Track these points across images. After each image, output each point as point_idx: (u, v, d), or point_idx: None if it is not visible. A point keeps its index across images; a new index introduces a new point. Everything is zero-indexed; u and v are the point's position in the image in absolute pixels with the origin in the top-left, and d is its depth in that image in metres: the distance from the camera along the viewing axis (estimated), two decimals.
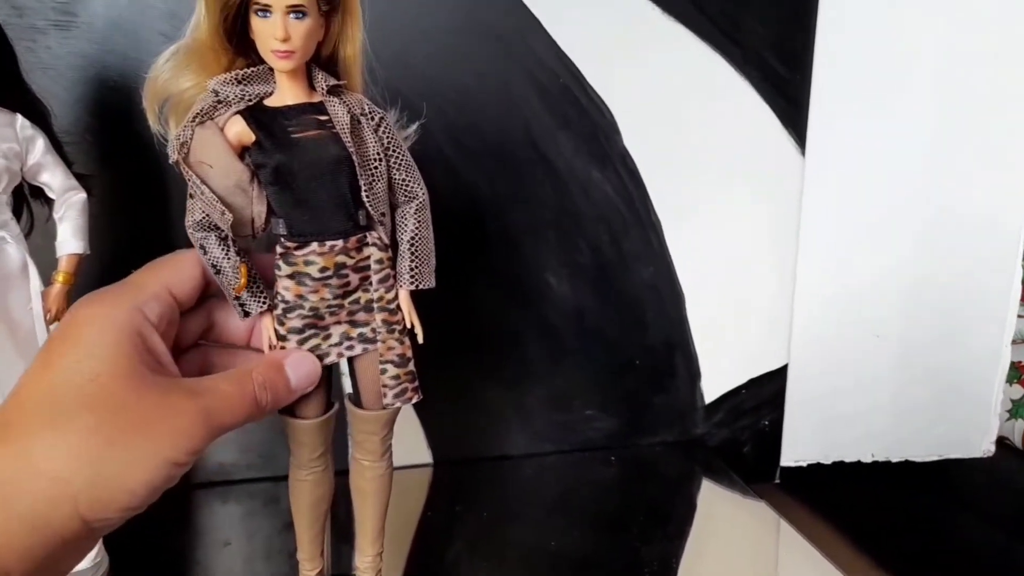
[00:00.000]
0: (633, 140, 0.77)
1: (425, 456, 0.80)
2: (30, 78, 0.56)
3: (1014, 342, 0.88)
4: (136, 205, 0.67)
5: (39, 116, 0.55)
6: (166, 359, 0.34)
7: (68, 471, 0.29)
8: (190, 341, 0.39)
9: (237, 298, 0.39)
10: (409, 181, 0.42)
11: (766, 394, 0.86)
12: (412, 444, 0.79)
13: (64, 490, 0.29)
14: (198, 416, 0.32)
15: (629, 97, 0.76)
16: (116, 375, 0.31)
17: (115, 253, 0.62)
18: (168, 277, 0.37)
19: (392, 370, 0.43)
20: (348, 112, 0.39)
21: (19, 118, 0.52)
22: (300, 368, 0.39)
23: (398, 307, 0.43)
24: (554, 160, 0.76)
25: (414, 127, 0.44)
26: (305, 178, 0.38)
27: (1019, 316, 0.88)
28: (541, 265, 0.78)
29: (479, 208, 0.75)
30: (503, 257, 0.77)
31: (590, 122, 0.76)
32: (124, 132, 0.63)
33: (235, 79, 0.38)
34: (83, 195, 0.55)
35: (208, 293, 0.40)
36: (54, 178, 0.54)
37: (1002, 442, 0.93)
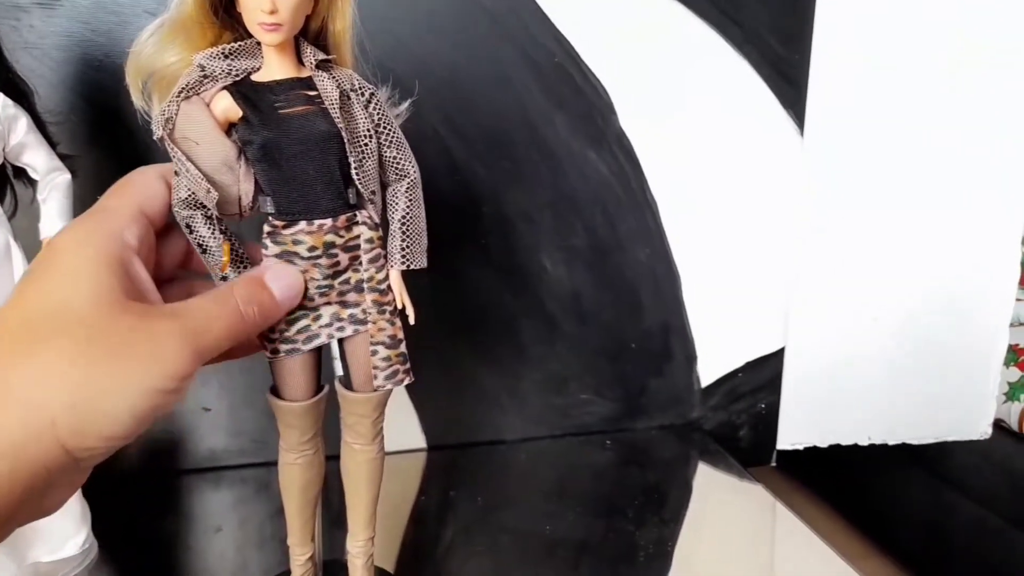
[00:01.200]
0: (629, 120, 0.76)
1: (419, 441, 0.79)
2: (13, 57, 0.55)
3: (1012, 325, 0.88)
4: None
5: (21, 96, 0.54)
6: (148, 286, 0.33)
7: (43, 396, 0.28)
8: (171, 270, 0.39)
9: (224, 278, 0.38)
10: (400, 159, 0.41)
11: (763, 377, 0.86)
12: (405, 429, 0.79)
13: (40, 416, 0.28)
14: (181, 338, 0.31)
15: (625, 77, 0.75)
16: (92, 301, 0.30)
17: None
18: (139, 198, 0.36)
19: (383, 351, 0.42)
20: (337, 87, 0.38)
21: (1, 97, 0.51)
22: (282, 280, 0.38)
23: (389, 287, 0.42)
24: (549, 140, 0.75)
25: (406, 105, 0.43)
26: (293, 155, 0.37)
27: (1018, 300, 0.88)
28: (536, 247, 0.77)
29: (472, 189, 0.74)
30: (497, 239, 0.76)
31: (586, 102, 0.75)
32: (110, 112, 0.62)
33: (222, 53, 0.37)
34: (67, 176, 0.54)
35: None
36: (37, 158, 0.53)
37: (999, 424, 0.92)
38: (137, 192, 0.36)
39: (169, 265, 0.38)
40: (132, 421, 0.30)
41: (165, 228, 0.38)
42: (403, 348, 0.43)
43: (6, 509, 0.27)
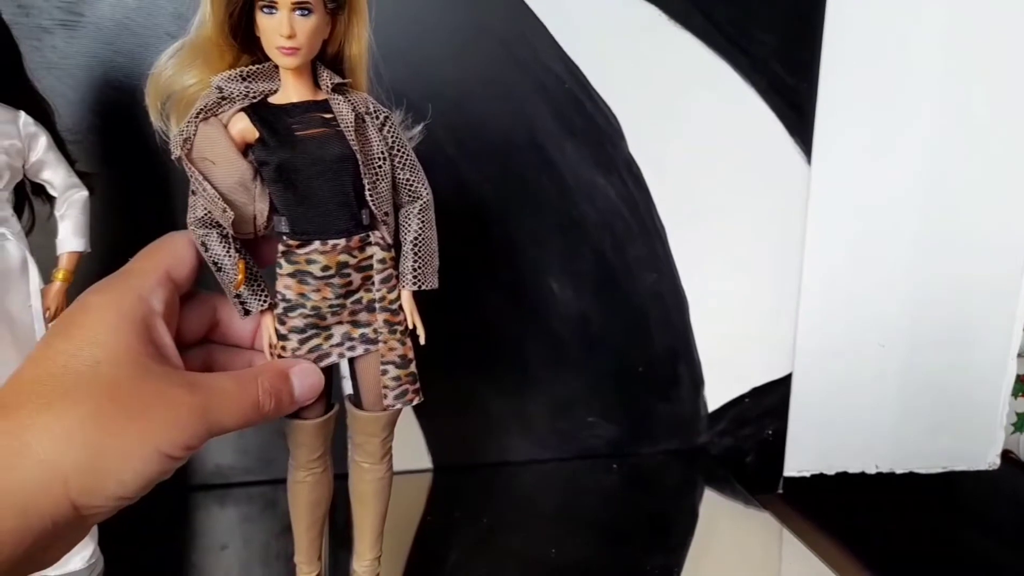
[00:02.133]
0: (638, 147, 0.77)
1: (425, 461, 0.79)
2: (35, 77, 0.56)
3: (1020, 355, 0.88)
4: (138, 204, 0.67)
5: (43, 114, 0.55)
6: (171, 350, 0.34)
7: (59, 454, 0.28)
8: (194, 338, 0.39)
9: (237, 296, 0.39)
10: (413, 181, 0.41)
11: (770, 403, 0.86)
12: (412, 449, 0.79)
13: (55, 473, 0.28)
14: (196, 410, 0.32)
15: (635, 103, 0.76)
16: (117, 363, 0.31)
17: (116, 252, 0.61)
18: (167, 261, 0.36)
19: (393, 371, 0.42)
20: (353, 110, 0.38)
21: (22, 115, 0.52)
22: (306, 379, 0.39)
23: (400, 308, 0.42)
24: (559, 165, 0.76)
25: (419, 128, 0.44)
26: (308, 176, 0.38)
27: None
28: (544, 271, 0.78)
29: (483, 213, 0.75)
30: (506, 262, 0.77)
31: (595, 128, 0.76)
32: (128, 132, 0.62)
33: (240, 76, 0.38)
34: (85, 193, 0.55)
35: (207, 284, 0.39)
36: (56, 176, 0.54)
37: (1007, 455, 0.92)
38: (166, 256, 0.37)
39: (194, 336, 0.39)
40: (139, 484, 0.31)
41: (191, 296, 0.38)
42: (413, 368, 0.43)
43: (14, 562, 0.28)
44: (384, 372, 0.42)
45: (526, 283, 0.78)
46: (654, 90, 0.76)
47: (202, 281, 0.39)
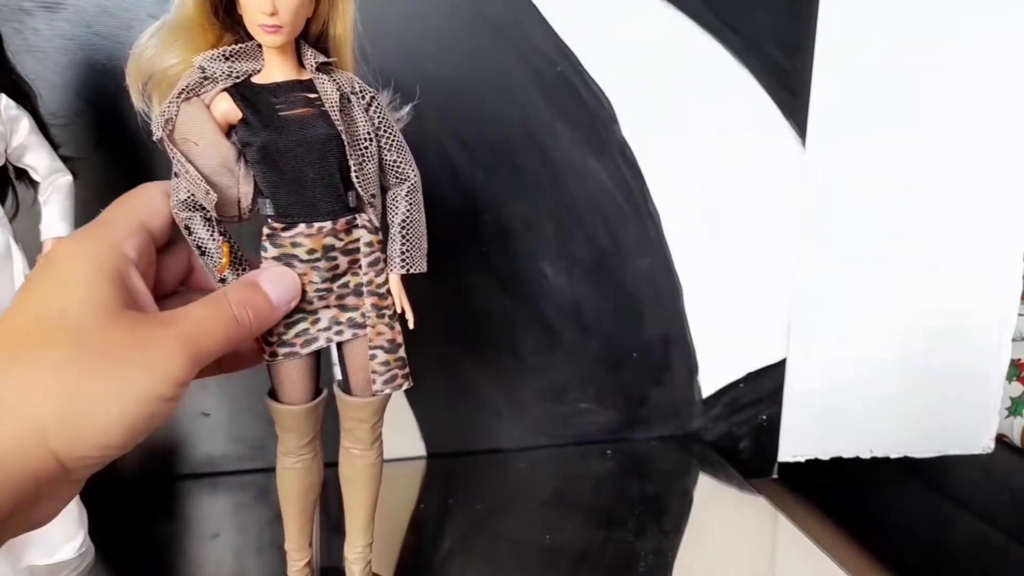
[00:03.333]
0: (632, 130, 0.76)
1: (418, 448, 0.79)
2: (16, 59, 0.55)
3: (1015, 340, 0.87)
4: (123, 188, 0.65)
5: (24, 97, 0.54)
6: (144, 296, 0.33)
7: (35, 405, 0.28)
8: (170, 287, 0.38)
9: (222, 280, 0.38)
10: (400, 162, 0.41)
11: (764, 388, 0.85)
12: (405, 436, 0.78)
13: (31, 424, 0.28)
14: (175, 344, 0.31)
15: (628, 86, 0.75)
16: (86, 309, 0.30)
17: None
18: (141, 211, 0.36)
19: (382, 356, 0.42)
20: (338, 90, 0.38)
21: (3, 98, 0.51)
22: (277, 282, 0.38)
23: (388, 292, 0.41)
24: (551, 149, 0.75)
25: (407, 109, 0.43)
26: (292, 157, 0.37)
27: (1020, 315, 0.88)
28: (537, 256, 0.77)
29: (474, 197, 0.74)
30: (498, 247, 0.76)
31: (588, 111, 0.75)
32: (112, 115, 0.62)
33: (222, 55, 0.37)
34: (69, 178, 0.54)
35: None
36: (39, 160, 0.53)
37: (1001, 440, 0.92)
38: (139, 206, 0.36)
39: (170, 280, 0.38)
40: (125, 430, 0.30)
41: (167, 244, 0.38)
42: (402, 352, 0.43)
43: None
44: (372, 357, 0.42)
45: (519, 268, 0.77)
46: (647, 73, 0.76)
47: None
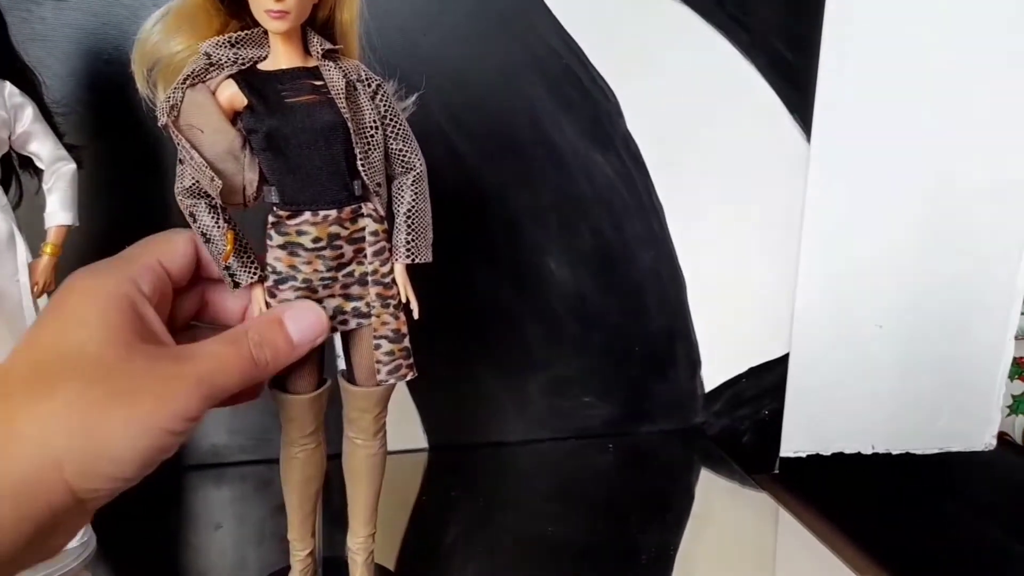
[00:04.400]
0: (636, 124, 0.76)
1: (421, 441, 0.79)
2: (22, 48, 0.55)
3: (1017, 337, 0.87)
4: (128, 177, 0.66)
5: (29, 85, 0.54)
6: (159, 330, 0.33)
7: (52, 437, 0.28)
8: (184, 321, 0.38)
9: (226, 267, 0.38)
10: (406, 151, 0.41)
11: (767, 383, 0.85)
12: (408, 429, 0.78)
13: (48, 456, 0.28)
14: (190, 381, 0.31)
15: (633, 80, 0.75)
16: (103, 343, 0.30)
17: (106, 225, 0.61)
18: (161, 251, 0.36)
19: (386, 346, 0.42)
20: (344, 77, 0.37)
21: (8, 85, 0.51)
22: (302, 320, 0.37)
23: (393, 281, 0.41)
24: (556, 142, 0.75)
25: (413, 98, 0.43)
26: (298, 144, 0.37)
27: (1023, 313, 0.87)
28: (541, 249, 0.77)
29: (478, 189, 0.74)
30: (503, 240, 0.76)
31: (593, 104, 0.75)
32: (117, 104, 0.62)
33: (228, 42, 0.37)
34: (73, 166, 0.54)
35: (202, 275, 0.39)
36: (43, 148, 0.53)
37: (1003, 437, 0.92)
38: (160, 246, 0.36)
39: (184, 319, 0.38)
40: (137, 463, 0.30)
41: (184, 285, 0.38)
42: (407, 343, 0.43)
43: (12, 550, 0.27)
44: (377, 347, 0.42)
45: (523, 261, 0.77)
46: (653, 66, 0.75)
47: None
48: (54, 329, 0.30)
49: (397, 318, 0.42)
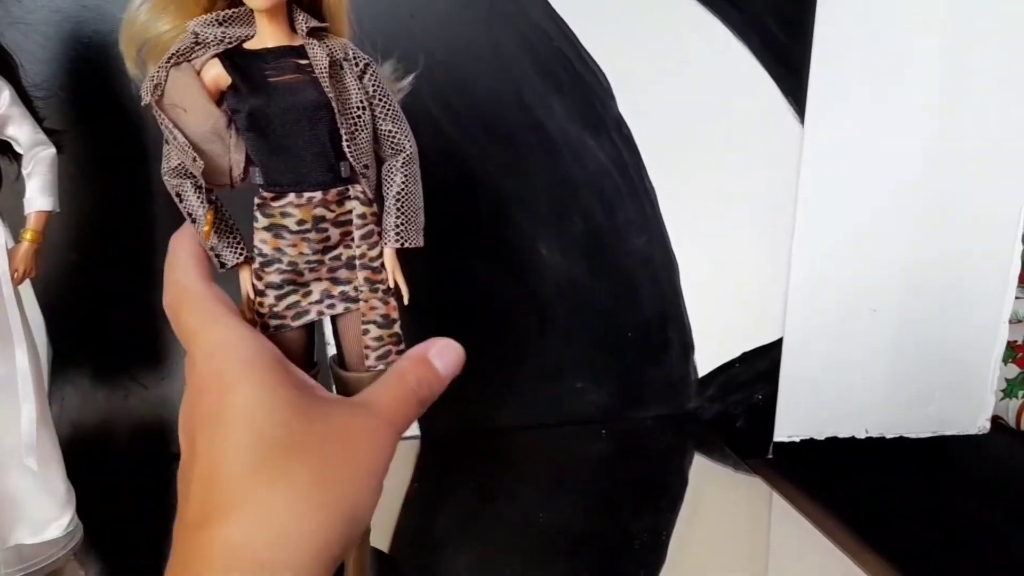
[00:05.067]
0: (628, 106, 0.75)
1: (413, 429, 0.78)
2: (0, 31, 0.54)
3: (1011, 321, 0.87)
4: (110, 162, 0.65)
5: (7, 69, 0.53)
6: (305, 376, 0.32)
7: (281, 540, 0.27)
8: None
9: (212, 248, 0.37)
10: (396, 132, 0.40)
11: (760, 368, 0.85)
12: None
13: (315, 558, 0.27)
14: (389, 430, 0.32)
15: (625, 62, 0.74)
16: (287, 424, 0.29)
17: (88, 211, 0.60)
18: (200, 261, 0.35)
19: (375, 331, 0.41)
20: (328, 55, 0.36)
21: None
22: (447, 356, 0.37)
23: (382, 265, 0.40)
24: (547, 125, 0.74)
25: (409, 79, 0.42)
26: (281, 124, 0.36)
27: (1017, 297, 0.87)
28: (532, 234, 0.76)
29: (468, 173, 0.73)
30: (493, 225, 0.75)
31: (585, 87, 0.74)
32: (98, 88, 0.60)
33: (216, 20, 0.36)
34: (52, 150, 0.53)
35: None
36: (21, 132, 0.52)
37: (996, 421, 0.92)
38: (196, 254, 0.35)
39: None
40: (370, 516, 0.30)
41: None
42: (397, 328, 0.42)
43: None
44: (366, 332, 0.41)
45: (514, 246, 0.76)
46: (645, 48, 0.75)
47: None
48: (227, 432, 0.29)
49: (387, 303, 0.41)
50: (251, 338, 0.31)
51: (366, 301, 0.40)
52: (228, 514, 0.27)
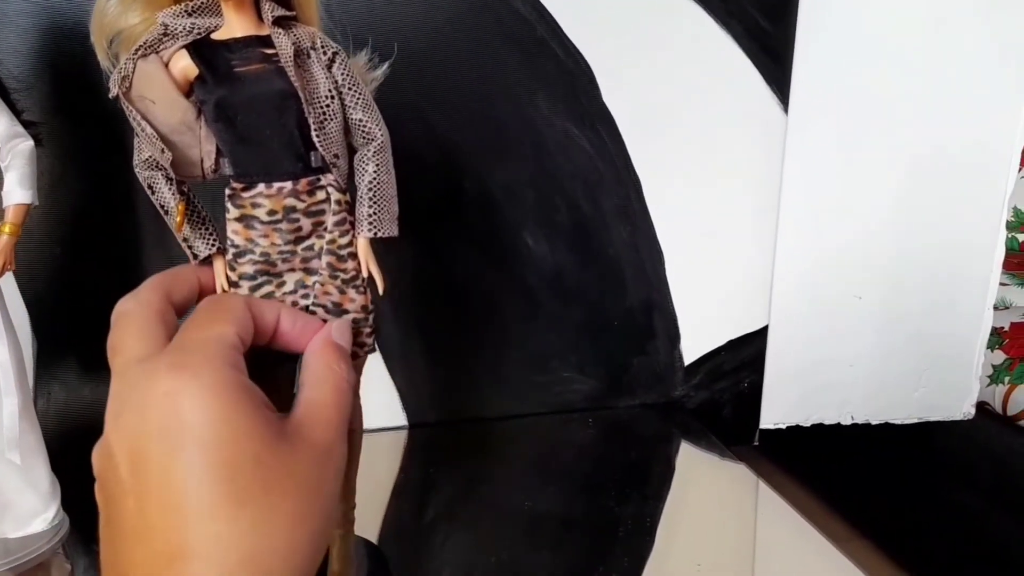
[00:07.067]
0: (612, 96, 0.75)
1: (400, 419, 0.79)
2: None
3: (996, 307, 0.87)
4: (89, 154, 0.65)
5: None
6: (265, 399, 0.31)
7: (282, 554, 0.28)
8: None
9: (184, 239, 0.37)
10: (367, 121, 0.40)
11: (746, 356, 0.85)
12: (387, 407, 0.78)
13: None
14: (339, 440, 0.32)
15: (608, 52, 0.74)
16: (260, 439, 0.29)
17: (67, 204, 0.60)
18: (237, 326, 0.33)
19: (322, 315, 0.40)
20: (293, 44, 0.36)
21: None
22: (344, 333, 0.38)
23: (351, 255, 0.40)
24: (531, 115, 0.74)
25: (383, 68, 0.42)
26: (247, 114, 0.36)
27: (1002, 284, 0.87)
28: (518, 223, 0.76)
29: (453, 164, 0.73)
30: (478, 215, 0.75)
31: (568, 76, 0.74)
32: (76, 80, 0.60)
33: (185, 11, 0.36)
34: (30, 143, 0.53)
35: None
36: None
37: (982, 407, 0.92)
38: (235, 320, 0.34)
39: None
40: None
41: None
42: (372, 320, 0.42)
43: None
44: (313, 314, 0.40)
45: (499, 236, 0.76)
46: (629, 37, 0.74)
47: None
48: (222, 442, 0.28)
49: (362, 293, 0.41)
50: (227, 382, 0.30)
51: (322, 285, 0.40)
52: (202, 551, 0.27)
